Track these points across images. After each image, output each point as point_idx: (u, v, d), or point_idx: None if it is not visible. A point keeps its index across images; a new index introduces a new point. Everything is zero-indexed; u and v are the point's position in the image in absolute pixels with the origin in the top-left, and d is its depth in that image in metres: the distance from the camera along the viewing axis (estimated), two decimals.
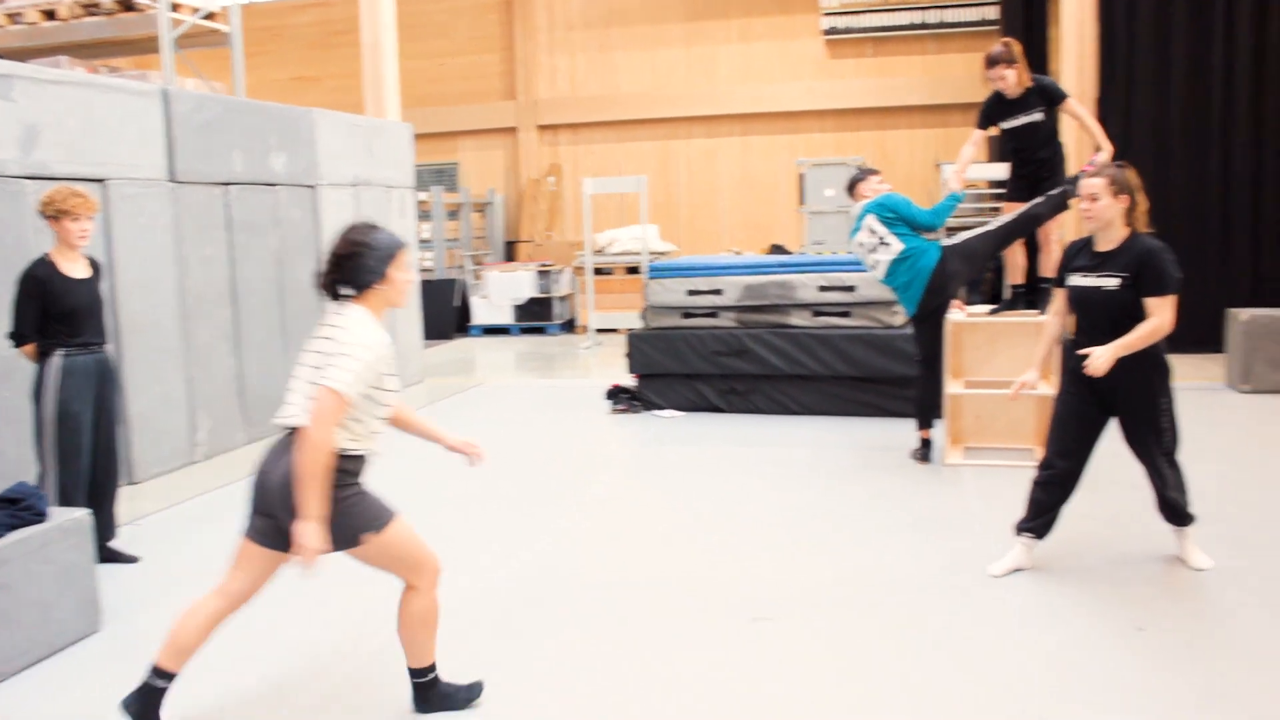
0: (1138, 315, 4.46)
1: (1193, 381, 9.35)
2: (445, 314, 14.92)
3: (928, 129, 15.93)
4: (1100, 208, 4.51)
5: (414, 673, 3.60)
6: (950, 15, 15.80)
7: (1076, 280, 4.63)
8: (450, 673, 3.74)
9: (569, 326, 15.30)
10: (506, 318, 14.98)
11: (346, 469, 3.34)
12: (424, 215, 16.35)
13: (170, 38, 8.95)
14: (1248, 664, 3.78)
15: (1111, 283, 4.48)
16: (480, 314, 15.10)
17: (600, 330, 14.06)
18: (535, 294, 14.86)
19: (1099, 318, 4.54)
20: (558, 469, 7.01)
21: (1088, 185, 4.55)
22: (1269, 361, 8.80)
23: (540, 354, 12.99)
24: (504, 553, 5.28)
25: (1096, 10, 11.09)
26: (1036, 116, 6.75)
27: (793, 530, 5.51)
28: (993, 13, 15.40)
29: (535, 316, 14.96)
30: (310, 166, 8.86)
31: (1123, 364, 4.44)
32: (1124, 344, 4.41)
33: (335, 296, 3.42)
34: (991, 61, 6.71)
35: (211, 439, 7.65)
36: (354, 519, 3.35)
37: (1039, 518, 4.75)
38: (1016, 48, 6.76)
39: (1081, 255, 4.66)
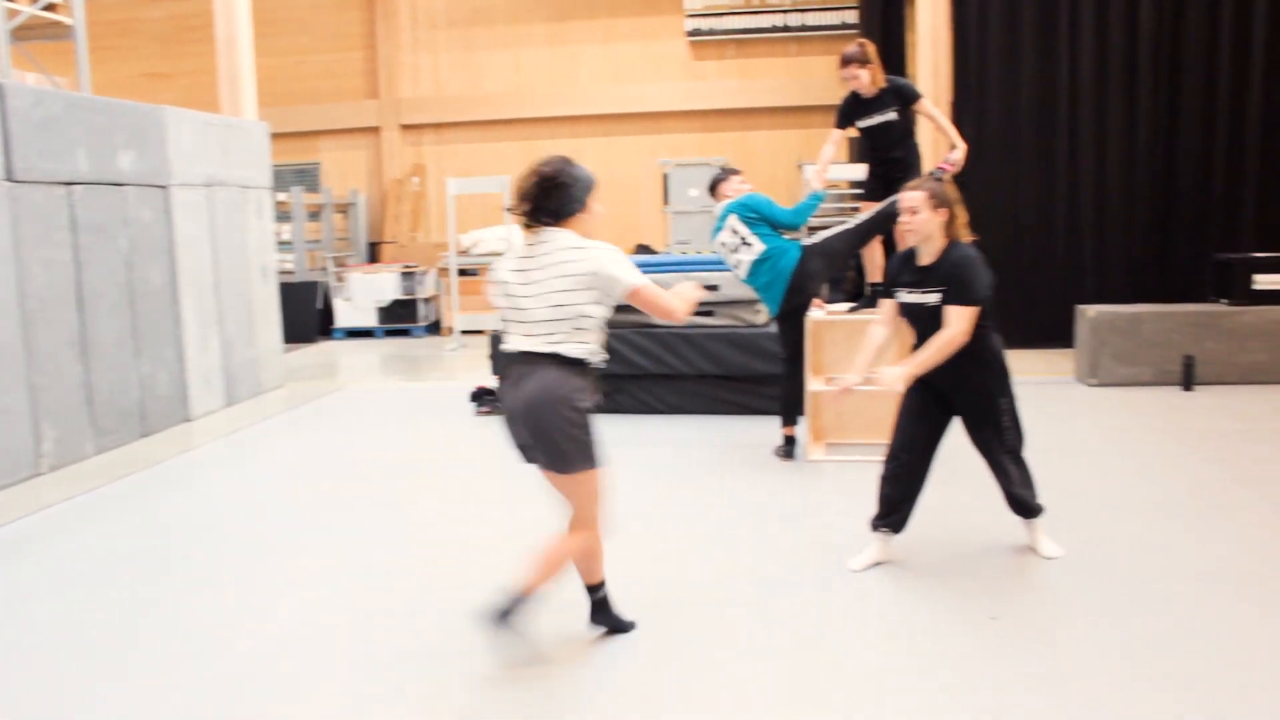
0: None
1: (1043, 376, 9.65)
2: (307, 317, 14.62)
3: (790, 130, 16.15)
4: (920, 221, 4.59)
5: (589, 589, 4.06)
6: (811, 19, 16.05)
7: (903, 296, 4.72)
8: (307, 677, 3.64)
9: (434, 328, 15.13)
10: (370, 320, 14.74)
11: (588, 384, 3.71)
12: (284, 216, 15.99)
13: (6, 29, 8.59)
14: (1091, 649, 3.90)
15: (932, 299, 4.57)
16: (343, 317, 14.84)
17: (466, 332, 13.93)
18: (399, 296, 14.66)
19: (928, 332, 4.62)
20: (414, 474, 6.90)
21: (908, 199, 4.61)
22: (1115, 356, 9.12)
23: (405, 357, 12.82)
24: (350, 559, 5.18)
25: (950, 16, 11.40)
26: (891, 116, 6.91)
27: (657, 530, 5.52)
28: (852, 16, 15.67)
29: (400, 319, 14.76)
30: (161, 166, 8.58)
31: (956, 368, 4.55)
32: (918, 363, 4.51)
33: (534, 225, 3.74)
34: (846, 61, 6.85)
35: (58, 450, 7.35)
36: (591, 444, 3.72)
37: (892, 514, 4.84)
38: (870, 48, 6.91)
39: (905, 270, 4.72)
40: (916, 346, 4.73)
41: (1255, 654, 3.83)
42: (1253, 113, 11.10)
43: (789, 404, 6.92)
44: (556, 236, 3.72)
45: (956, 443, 4.92)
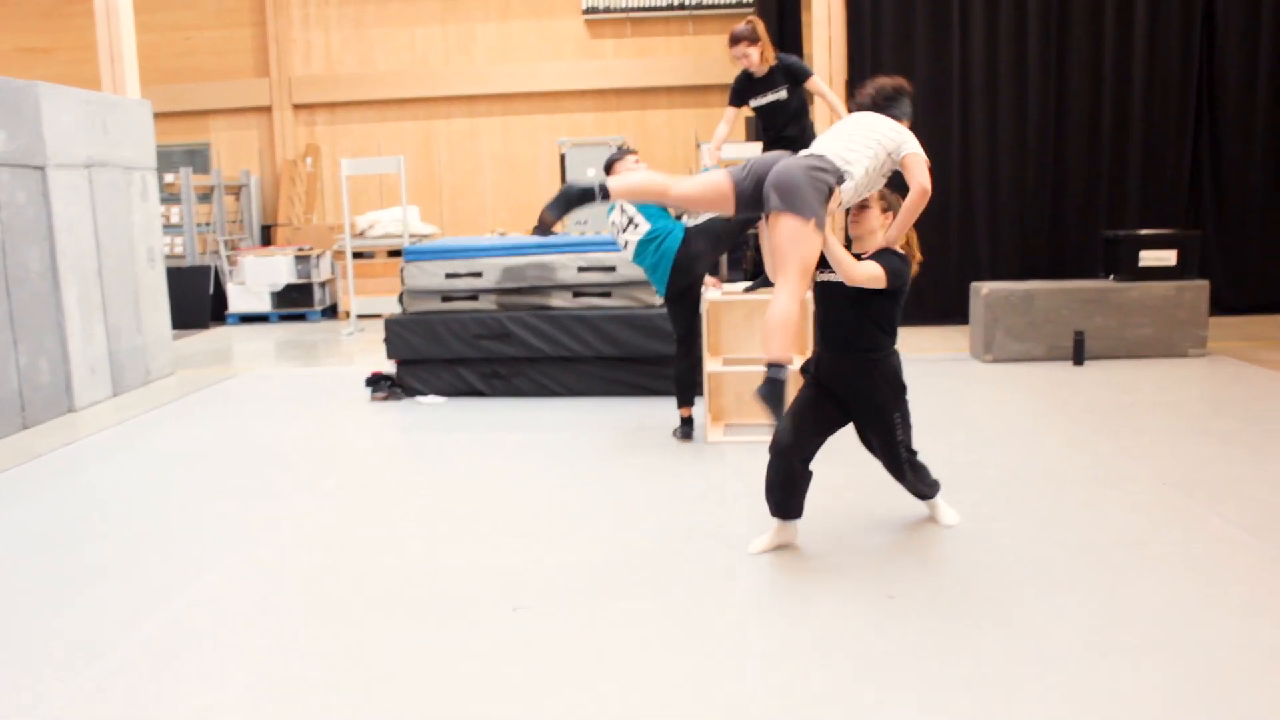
0: (876, 311, 4.63)
1: (940, 353, 9.78)
2: (199, 302, 14.25)
3: (688, 109, 16.15)
4: (868, 215, 4.72)
5: (770, 365, 4.20)
6: None
7: (822, 277, 4.73)
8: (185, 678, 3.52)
9: (331, 312, 14.86)
10: (264, 305, 14.42)
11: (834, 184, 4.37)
12: (173, 198, 15.59)
13: None
14: (990, 621, 3.93)
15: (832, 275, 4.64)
16: (237, 301, 14.49)
17: (363, 315, 13.70)
18: (294, 280, 14.35)
19: (838, 316, 4.68)
20: (308, 461, 6.75)
21: (863, 198, 4.69)
22: (1008, 332, 9.26)
23: (301, 342, 12.56)
24: (244, 549, 5.04)
25: (845, 71, 11.40)
26: (781, 95, 6.93)
27: (555, 514, 5.46)
28: None
29: (295, 303, 14.46)
30: (35, 146, 8.25)
31: (857, 377, 4.67)
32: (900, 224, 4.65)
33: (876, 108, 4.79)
34: (735, 39, 6.85)
35: None
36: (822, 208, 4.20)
37: (787, 500, 4.81)
38: (760, 26, 6.91)
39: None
40: (824, 331, 4.77)
41: (1147, 622, 3.90)
42: (1136, 93, 11.40)
43: (684, 385, 6.90)
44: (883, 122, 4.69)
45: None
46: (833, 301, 4.72)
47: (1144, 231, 9.73)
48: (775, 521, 4.87)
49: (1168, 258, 9.38)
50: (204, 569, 4.79)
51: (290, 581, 4.65)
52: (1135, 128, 11.45)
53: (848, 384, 4.72)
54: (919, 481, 4.97)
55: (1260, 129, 11.42)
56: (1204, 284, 9.34)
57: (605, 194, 4.50)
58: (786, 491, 4.77)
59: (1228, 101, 11.46)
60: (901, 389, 4.79)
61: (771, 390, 4.15)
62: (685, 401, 6.90)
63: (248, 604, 4.41)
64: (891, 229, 4.70)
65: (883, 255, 4.65)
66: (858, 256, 4.67)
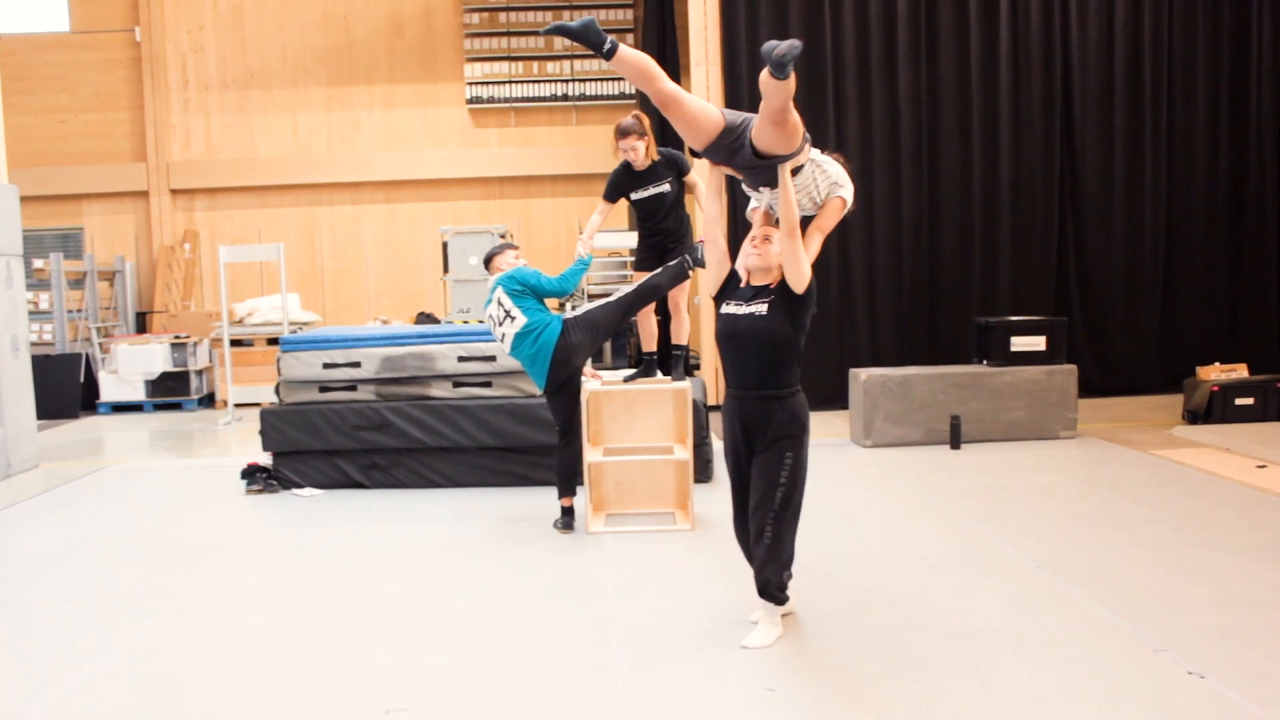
0: (784, 343, 4.67)
1: (820, 438, 9.84)
2: (68, 391, 13.79)
3: (570, 198, 16.28)
4: (771, 252, 4.73)
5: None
6: (591, 88, 16.29)
7: (728, 308, 4.78)
8: None
9: (209, 401, 14.51)
10: (138, 394, 14.02)
11: None
12: (43, 284, 15.15)
13: None
14: (868, 714, 3.92)
15: (761, 308, 4.68)
16: (109, 390, 14.07)
17: (241, 405, 13.39)
18: (169, 368, 14.00)
19: (745, 349, 4.70)
20: (175, 560, 6.48)
21: (765, 228, 4.79)
22: (887, 417, 9.41)
23: (176, 432, 12.23)
24: (95, 661, 4.83)
25: (723, 90, 11.71)
26: (665, 188, 6.98)
27: (430, 612, 5.34)
28: (630, 88, 16.01)
29: (171, 391, 14.09)
30: None
31: (766, 406, 4.68)
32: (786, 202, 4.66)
33: None
34: (623, 132, 6.87)
35: None
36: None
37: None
38: (646, 121, 6.98)
39: (733, 288, 4.85)
40: (729, 371, 4.81)
41: (1018, 712, 3.93)
42: (1004, 188, 11.90)
43: (565, 475, 6.86)
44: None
45: (712, 512, 4.93)
46: (740, 332, 4.71)
47: (1014, 318, 10.04)
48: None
49: (1037, 343, 9.66)
50: (54, 681, 4.57)
51: (150, 693, 4.46)
52: (1004, 220, 11.91)
53: (760, 415, 4.70)
54: (770, 560, 4.63)
55: (1118, 221, 12.00)
56: (1072, 368, 9.64)
57: (611, 55, 4.54)
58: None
59: (1087, 196, 12.03)
60: (804, 429, 4.76)
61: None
62: (566, 491, 6.85)
63: (109, 706, 4.21)
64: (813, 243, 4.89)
65: (789, 286, 4.72)
66: (754, 287, 4.77)
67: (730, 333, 4.75)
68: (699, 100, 4.86)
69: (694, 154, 4.97)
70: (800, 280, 4.63)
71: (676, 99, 4.65)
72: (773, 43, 4.22)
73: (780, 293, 4.69)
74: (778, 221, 4.88)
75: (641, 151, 6.90)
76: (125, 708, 4.26)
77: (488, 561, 6.22)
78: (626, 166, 6.96)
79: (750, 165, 4.74)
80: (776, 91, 4.32)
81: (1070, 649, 4.54)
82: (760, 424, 4.70)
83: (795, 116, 4.53)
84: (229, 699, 4.31)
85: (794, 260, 4.61)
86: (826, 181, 5.07)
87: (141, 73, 16.48)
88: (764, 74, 4.29)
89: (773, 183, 4.81)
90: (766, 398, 4.69)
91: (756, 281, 4.78)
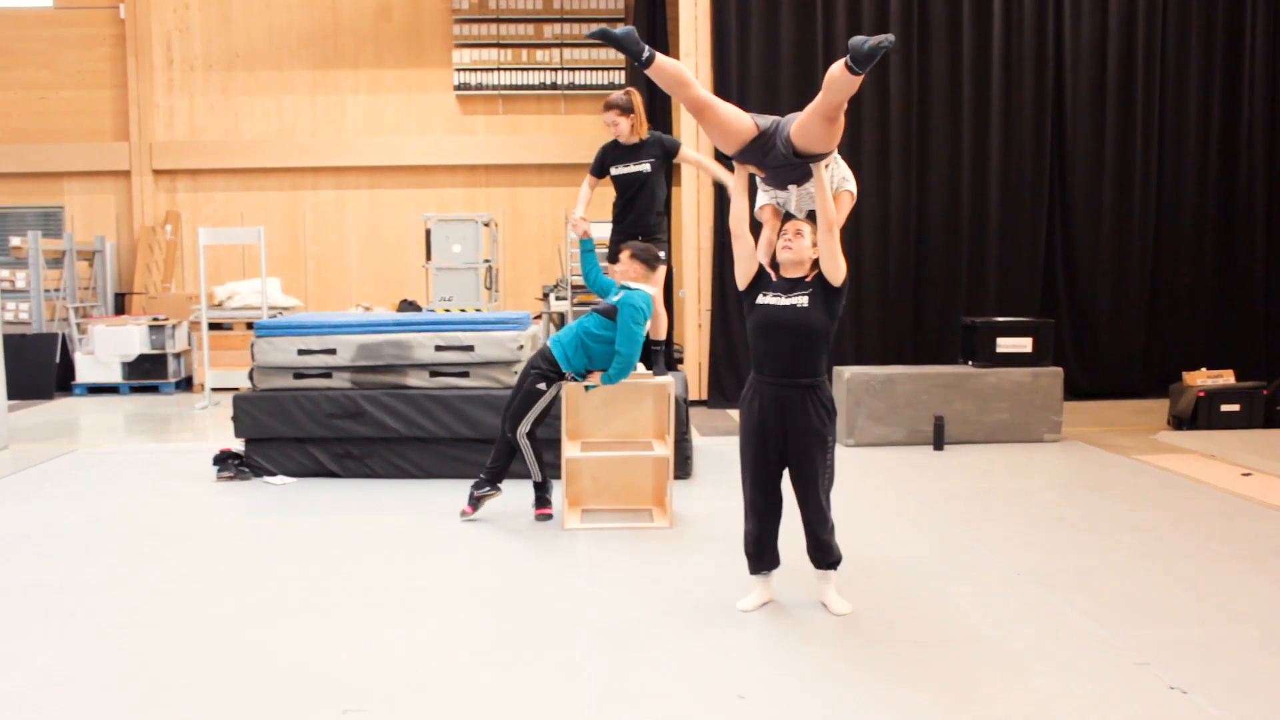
0: (822, 334, 4.83)
1: None
2: (43, 371, 13.60)
3: (558, 187, 16.12)
4: (803, 246, 4.85)
5: None
6: (580, 78, 16.15)
7: (766, 300, 4.87)
8: None
9: (186, 385, 14.34)
10: (115, 375, 13.83)
11: None
12: (19, 262, 14.97)
13: None
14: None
15: (801, 300, 4.82)
16: (85, 372, 13.88)
17: (219, 389, 13.22)
18: (147, 350, 13.82)
19: (784, 340, 4.82)
20: (138, 547, 6.32)
21: (797, 223, 4.88)
22: (870, 416, 9.31)
23: (152, 415, 12.07)
24: (53, 648, 4.69)
25: (711, 80, 11.60)
26: (645, 167, 6.95)
27: (399, 605, 5.22)
28: (620, 77, 15.90)
29: (148, 374, 13.91)
30: None
31: (800, 404, 4.81)
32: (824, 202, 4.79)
33: None
34: (609, 105, 6.89)
35: None
36: None
37: (762, 558, 5.04)
38: (637, 98, 6.98)
39: (767, 281, 4.95)
40: (764, 360, 4.86)
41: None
42: (993, 186, 11.79)
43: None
44: None
45: (691, 509, 4.82)
46: (781, 322, 4.82)
47: (1001, 319, 9.95)
48: (757, 579, 5.09)
49: (1023, 344, 9.57)
50: (11, 667, 4.44)
51: (106, 681, 4.33)
52: (993, 220, 11.83)
53: (794, 413, 4.83)
54: (828, 530, 5.00)
55: (1107, 224, 11.92)
56: (1058, 370, 9.55)
57: (649, 64, 4.59)
58: (760, 551, 5.04)
59: (1077, 198, 11.94)
60: (834, 415, 4.95)
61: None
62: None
63: (59, 708, 4.07)
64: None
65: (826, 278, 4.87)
66: (790, 279, 4.90)
67: (771, 323, 4.85)
68: (731, 107, 4.86)
69: (720, 157, 4.95)
70: (839, 273, 4.81)
71: (709, 105, 4.74)
72: (862, 37, 4.26)
73: (818, 285, 4.85)
74: (787, 216, 5.09)
75: (625, 128, 6.94)
76: (76, 699, 4.13)
77: (459, 555, 6.10)
78: (615, 141, 7.01)
79: (782, 164, 4.82)
80: (845, 86, 4.36)
81: (1049, 660, 4.44)
82: (797, 410, 4.83)
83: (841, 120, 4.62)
84: (180, 695, 4.18)
85: (834, 255, 4.79)
86: (837, 176, 5.14)
87: (125, 50, 16.27)
88: (837, 68, 4.32)
89: (799, 180, 4.94)
90: (803, 385, 4.83)
91: (788, 275, 4.91)
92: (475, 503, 6.77)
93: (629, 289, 6.53)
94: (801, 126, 4.62)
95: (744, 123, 4.76)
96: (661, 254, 6.83)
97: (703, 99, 4.72)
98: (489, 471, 6.78)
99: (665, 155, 7.10)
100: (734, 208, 5.03)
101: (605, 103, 7.01)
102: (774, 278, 4.97)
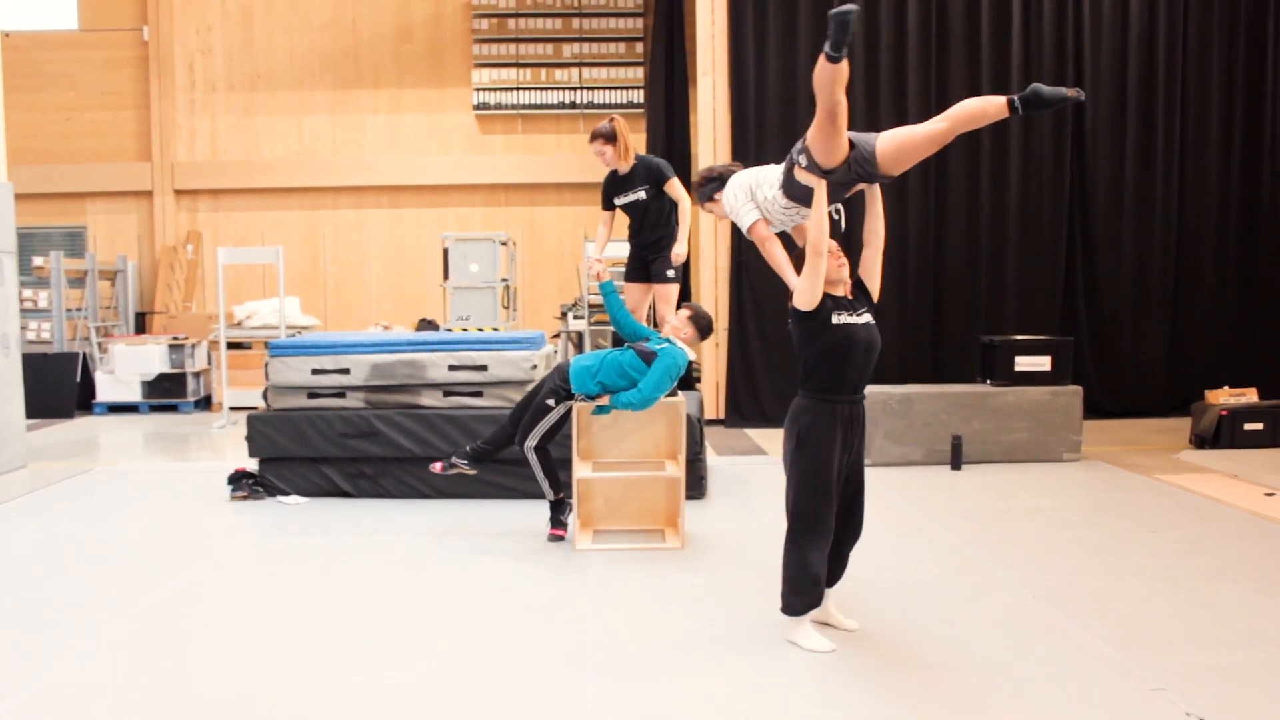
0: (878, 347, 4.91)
1: None
2: (63, 390, 13.66)
3: (576, 206, 16.11)
4: (838, 265, 4.85)
5: None
6: (599, 97, 16.16)
7: (841, 318, 4.80)
8: None
9: (205, 404, 14.38)
10: (135, 395, 13.88)
11: None
12: (42, 282, 15.06)
13: None
14: None
15: (866, 317, 4.88)
16: (105, 390, 13.93)
17: (237, 408, 13.23)
18: (166, 369, 13.86)
19: (866, 355, 4.81)
20: (149, 566, 6.30)
21: (833, 241, 4.80)
22: (888, 436, 9.24)
23: (170, 434, 12.10)
24: (56, 667, 4.68)
25: (729, 98, 11.58)
26: (640, 195, 6.92)
27: (406, 626, 5.18)
28: (638, 97, 15.89)
29: (167, 393, 13.95)
30: None
31: (860, 423, 4.89)
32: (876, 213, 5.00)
33: None
34: (594, 135, 6.91)
35: None
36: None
37: (825, 581, 4.94)
38: (620, 125, 6.98)
39: (829, 302, 4.84)
40: (843, 379, 4.78)
41: None
42: (1012, 203, 11.73)
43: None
44: None
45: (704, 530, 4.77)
46: (858, 339, 4.79)
47: (1019, 337, 9.87)
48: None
49: (1042, 363, 9.48)
50: (15, 687, 4.42)
51: (111, 702, 4.31)
52: (1012, 238, 11.76)
53: (861, 419, 4.92)
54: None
55: (1127, 242, 11.82)
56: (1077, 389, 9.45)
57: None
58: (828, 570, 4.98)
59: (1097, 215, 11.85)
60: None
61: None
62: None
63: (82, 712, 4.06)
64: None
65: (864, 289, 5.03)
66: (842, 298, 4.87)
67: (853, 342, 4.79)
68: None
69: (814, 168, 4.77)
70: (878, 289, 5.00)
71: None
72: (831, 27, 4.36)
73: (869, 302, 4.95)
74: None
75: (610, 156, 6.98)
76: (84, 716, 4.12)
77: (469, 576, 6.06)
78: (614, 172, 7.02)
79: (847, 180, 4.85)
80: (829, 78, 4.42)
81: (1064, 685, 4.36)
82: (859, 427, 4.91)
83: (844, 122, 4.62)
84: (183, 714, 4.15)
85: (879, 273, 5.00)
86: (743, 210, 5.22)
87: (148, 72, 16.39)
88: (818, 64, 4.39)
89: (840, 199, 5.05)
90: (863, 402, 4.93)
91: (834, 293, 4.86)
92: (448, 465, 6.76)
93: (673, 344, 6.49)
94: (811, 141, 4.63)
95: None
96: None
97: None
98: (475, 450, 6.79)
99: (656, 183, 7.12)
100: (815, 219, 4.68)
101: (591, 134, 7.07)
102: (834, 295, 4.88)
